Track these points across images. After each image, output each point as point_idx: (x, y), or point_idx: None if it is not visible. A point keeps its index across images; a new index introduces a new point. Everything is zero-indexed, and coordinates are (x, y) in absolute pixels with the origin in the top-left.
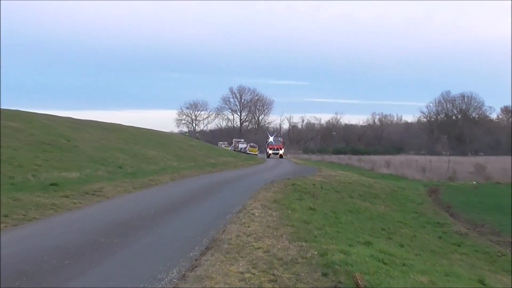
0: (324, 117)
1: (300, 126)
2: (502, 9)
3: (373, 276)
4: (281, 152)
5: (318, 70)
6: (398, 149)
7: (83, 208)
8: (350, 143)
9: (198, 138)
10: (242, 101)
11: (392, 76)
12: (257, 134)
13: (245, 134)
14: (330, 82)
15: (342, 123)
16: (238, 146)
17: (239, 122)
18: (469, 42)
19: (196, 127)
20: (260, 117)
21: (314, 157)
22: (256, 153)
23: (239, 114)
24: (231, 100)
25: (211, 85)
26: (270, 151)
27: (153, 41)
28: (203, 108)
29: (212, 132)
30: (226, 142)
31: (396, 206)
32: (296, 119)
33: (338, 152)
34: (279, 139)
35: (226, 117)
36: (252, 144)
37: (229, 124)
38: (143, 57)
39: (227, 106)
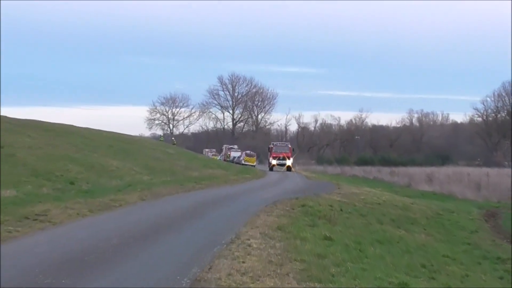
0: (344, 116)
1: (312, 128)
2: None
3: None
4: (288, 162)
5: (337, 53)
6: (443, 159)
7: (21, 238)
8: (380, 150)
9: (175, 143)
10: (236, 94)
11: (435, 62)
12: (255, 138)
13: (239, 139)
14: (353, 69)
15: (369, 123)
16: (230, 155)
17: (231, 123)
18: None
19: (174, 129)
20: (260, 116)
21: (332, 169)
22: (254, 164)
23: (231, 112)
24: (221, 93)
25: (194, 73)
26: (274, 161)
27: (114, 15)
28: (183, 104)
29: (195, 136)
30: (214, 150)
31: (441, 235)
32: (308, 118)
33: (363, 162)
34: (286, 144)
35: (214, 116)
36: (248, 152)
37: (218, 125)
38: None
39: (215, 102)
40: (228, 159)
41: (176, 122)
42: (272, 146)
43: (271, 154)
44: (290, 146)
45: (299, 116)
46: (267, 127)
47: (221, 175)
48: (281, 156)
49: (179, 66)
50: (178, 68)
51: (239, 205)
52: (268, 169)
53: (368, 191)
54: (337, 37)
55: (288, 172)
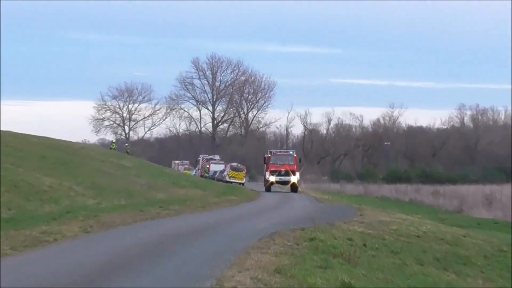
0: (369, 114)
1: (324, 131)
2: None
3: None
4: (293, 179)
5: (358, 26)
6: (507, 173)
7: None
8: (418, 161)
9: (128, 152)
10: (217, 84)
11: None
12: (244, 145)
13: (222, 146)
14: (380, 49)
15: (403, 124)
16: (209, 169)
17: (210, 124)
18: None
19: (132, 133)
20: (251, 114)
21: (351, 188)
22: (243, 181)
23: (210, 108)
24: (196, 82)
25: (159, 56)
26: (272, 178)
27: None
28: (143, 99)
29: (160, 142)
30: (186, 162)
31: (505, 280)
32: (317, 117)
33: (395, 178)
34: (290, 153)
35: (186, 114)
36: (235, 164)
37: (193, 127)
38: (28, 3)
39: (188, 95)
40: (206, 174)
41: (134, 123)
42: (269, 155)
43: (268, 168)
44: (295, 155)
45: (306, 115)
46: (261, 129)
47: (197, 196)
48: (283, 170)
49: (138, 45)
50: (137, 49)
51: (222, 239)
52: (263, 188)
53: (403, 218)
54: (357, 4)
55: (291, 193)
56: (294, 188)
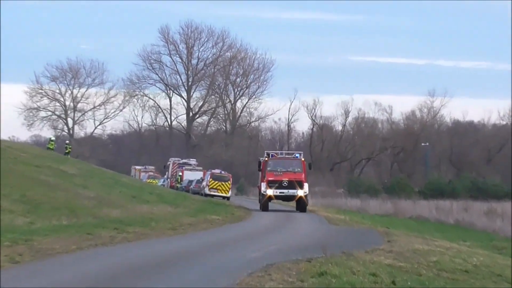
0: (401, 104)
1: (339, 127)
2: None
3: None
4: (300, 192)
5: None
6: None
7: None
8: (468, 169)
9: (68, 152)
10: (194, 62)
11: None
12: (230, 146)
13: (200, 147)
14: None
15: (447, 118)
16: (182, 177)
17: (185, 117)
18: None
19: (77, 127)
20: (239, 104)
21: (376, 204)
22: (228, 194)
23: (185, 95)
24: (166, 59)
25: (114, 24)
26: (271, 191)
27: None
28: (93, 81)
29: (116, 141)
30: (151, 168)
31: None
32: (331, 108)
33: (436, 192)
34: (296, 156)
35: (152, 103)
36: (217, 172)
37: (160, 120)
38: None
39: (154, 76)
40: (178, 184)
41: (80, 114)
42: (266, 159)
43: (264, 177)
44: (303, 159)
45: (315, 105)
46: (253, 124)
47: (166, 215)
48: (286, 180)
49: (85, 9)
50: (85, 13)
51: (198, 274)
52: (257, 205)
53: (446, 247)
54: None
55: (296, 213)
56: (301, 205)
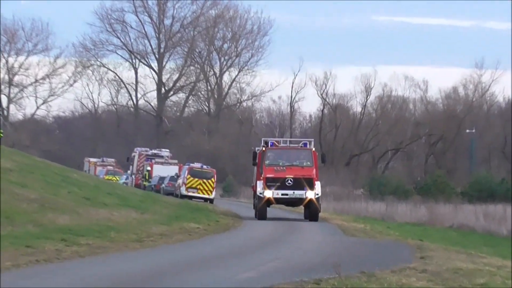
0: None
1: (359, 109)
2: None
3: None
4: (310, 193)
5: None
6: None
7: None
8: None
9: None
10: (168, 23)
11: None
12: (215, 133)
13: (175, 133)
14: None
15: (499, 98)
16: (150, 174)
17: (155, 94)
18: None
19: (13, 106)
20: (227, 77)
21: (406, 209)
22: (212, 195)
23: (155, 66)
24: (130, 18)
25: None
26: (270, 193)
27: None
28: (35, 47)
29: (65, 124)
30: (111, 161)
31: None
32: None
33: (484, 193)
34: (304, 145)
35: (111, 75)
36: (197, 166)
37: (123, 99)
38: None
39: (115, 41)
40: (146, 182)
41: (17, 90)
42: (264, 149)
43: (261, 173)
44: (313, 148)
45: (327, 79)
46: (245, 104)
47: (129, 223)
48: (290, 177)
49: None
50: None
51: None
52: (251, 210)
53: (497, 265)
54: None
55: (303, 221)
56: (312, 212)
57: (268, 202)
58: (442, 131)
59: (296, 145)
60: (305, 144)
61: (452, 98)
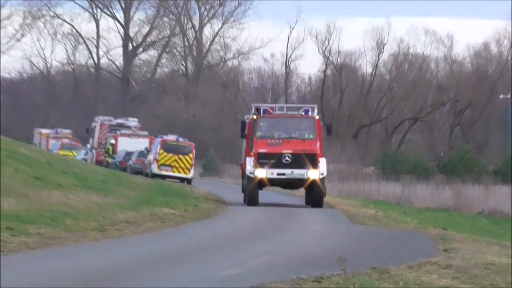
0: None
1: (370, 70)
2: None
3: None
4: (313, 173)
5: None
6: None
7: None
8: None
9: None
10: None
11: None
12: (192, 99)
13: (144, 99)
14: None
15: None
16: (115, 148)
17: (120, 51)
18: None
19: None
20: (208, 30)
21: (426, 191)
22: (190, 174)
23: (120, 17)
24: None
25: None
26: (262, 173)
27: None
28: None
29: (9, 88)
30: (67, 132)
31: None
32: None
33: None
34: (306, 112)
35: (67, 28)
36: (171, 139)
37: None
38: None
39: None
40: (109, 159)
41: None
42: (255, 118)
43: (252, 148)
44: (317, 116)
45: (330, 33)
46: (230, 63)
47: (90, 208)
48: (289, 152)
49: None
50: None
51: None
52: (239, 194)
53: None
54: None
55: (303, 207)
56: (315, 196)
57: (260, 183)
58: (470, 97)
59: (296, 112)
60: (306, 111)
61: (482, 56)
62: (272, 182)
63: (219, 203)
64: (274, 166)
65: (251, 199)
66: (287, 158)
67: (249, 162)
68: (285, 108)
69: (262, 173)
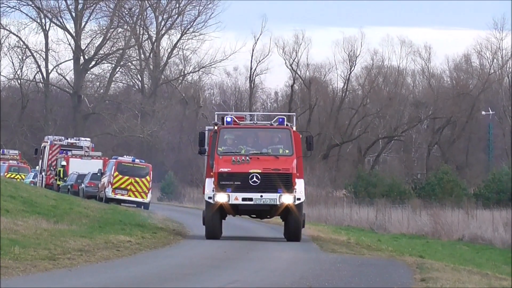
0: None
1: (341, 84)
2: None
3: None
4: (287, 198)
5: None
6: None
7: None
8: None
9: None
10: None
11: None
12: (149, 117)
13: (98, 118)
14: None
15: None
16: (66, 170)
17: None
18: None
19: None
20: (166, 42)
21: (401, 216)
22: (147, 199)
23: (71, 28)
24: None
25: None
26: (223, 197)
27: None
28: None
29: None
30: (14, 153)
31: None
32: (324, 50)
33: (505, 197)
34: (279, 122)
35: (14, 39)
36: (127, 160)
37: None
38: None
39: None
40: (61, 182)
41: None
42: (216, 128)
43: (212, 165)
44: (294, 128)
45: (298, 43)
46: (190, 78)
47: (39, 235)
48: (256, 172)
49: None
50: None
51: None
52: (200, 219)
53: None
54: None
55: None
56: (291, 226)
57: (222, 211)
58: (450, 114)
59: (267, 122)
60: (281, 121)
61: (463, 69)
62: (237, 209)
63: (180, 229)
64: (239, 189)
65: (210, 231)
66: (255, 179)
67: (208, 184)
68: (255, 117)
69: (223, 198)
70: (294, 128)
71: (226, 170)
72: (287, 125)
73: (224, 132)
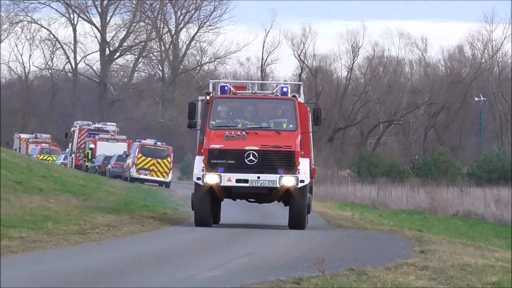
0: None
1: (344, 73)
2: None
3: None
4: (289, 180)
5: None
6: None
7: None
8: None
9: None
10: None
11: None
12: (169, 104)
13: (123, 104)
14: None
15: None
16: (94, 152)
17: (98, 56)
18: None
19: None
20: (184, 35)
21: (400, 194)
22: (168, 178)
23: (97, 22)
24: None
25: None
26: (214, 178)
27: None
28: None
29: None
30: (46, 137)
31: None
32: (329, 41)
33: (495, 176)
34: (283, 92)
35: (44, 32)
36: (150, 143)
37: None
38: None
39: None
40: (89, 163)
41: None
42: (209, 98)
43: (202, 141)
44: (300, 98)
45: (305, 36)
46: (206, 67)
47: (70, 212)
48: (254, 149)
49: None
50: None
51: None
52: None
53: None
54: None
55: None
56: (294, 212)
57: (213, 194)
58: (444, 100)
59: (269, 92)
60: (285, 91)
61: (456, 59)
62: (230, 192)
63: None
64: (232, 169)
65: (199, 217)
66: (251, 157)
67: (198, 163)
68: (255, 86)
69: (214, 179)
70: (302, 100)
71: (218, 146)
72: (293, 96)
73: (217, 102)
